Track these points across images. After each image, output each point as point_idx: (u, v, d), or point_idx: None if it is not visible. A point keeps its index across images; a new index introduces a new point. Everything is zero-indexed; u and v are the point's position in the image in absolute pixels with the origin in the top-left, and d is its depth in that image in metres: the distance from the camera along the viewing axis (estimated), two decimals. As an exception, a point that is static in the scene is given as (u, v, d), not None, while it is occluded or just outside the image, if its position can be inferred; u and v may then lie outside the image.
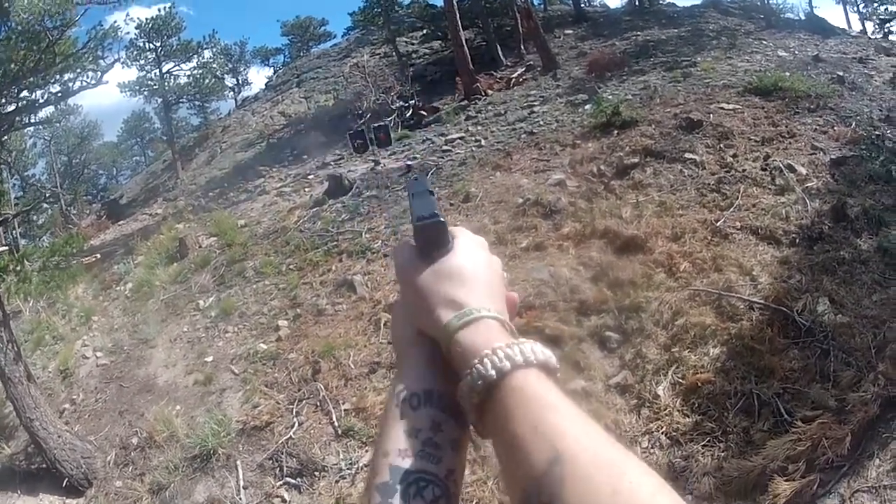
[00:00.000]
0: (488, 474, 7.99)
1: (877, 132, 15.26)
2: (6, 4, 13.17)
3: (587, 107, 20.90)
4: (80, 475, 11.03)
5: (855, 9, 46.15)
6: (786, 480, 6.79)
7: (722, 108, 17.20)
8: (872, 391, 7.52)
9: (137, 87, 42.87)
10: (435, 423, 0.99)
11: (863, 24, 43.60)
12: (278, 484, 9.67)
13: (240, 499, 9.70)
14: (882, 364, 8.06)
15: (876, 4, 41.81)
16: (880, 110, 16.93)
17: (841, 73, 20.23)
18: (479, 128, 23.48)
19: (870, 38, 34.39)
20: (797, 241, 11.45)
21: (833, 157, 14.05)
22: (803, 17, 36.34)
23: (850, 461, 6.83)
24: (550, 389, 0.89)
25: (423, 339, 1.09)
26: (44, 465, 11.29)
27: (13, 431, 12.87)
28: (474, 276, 1.10)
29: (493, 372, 0.90)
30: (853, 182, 13.08)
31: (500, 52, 35.39)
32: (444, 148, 21.95)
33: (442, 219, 1.14)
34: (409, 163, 20.99)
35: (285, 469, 9.83)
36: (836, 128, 15.55)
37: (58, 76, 14.23)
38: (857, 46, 27.40)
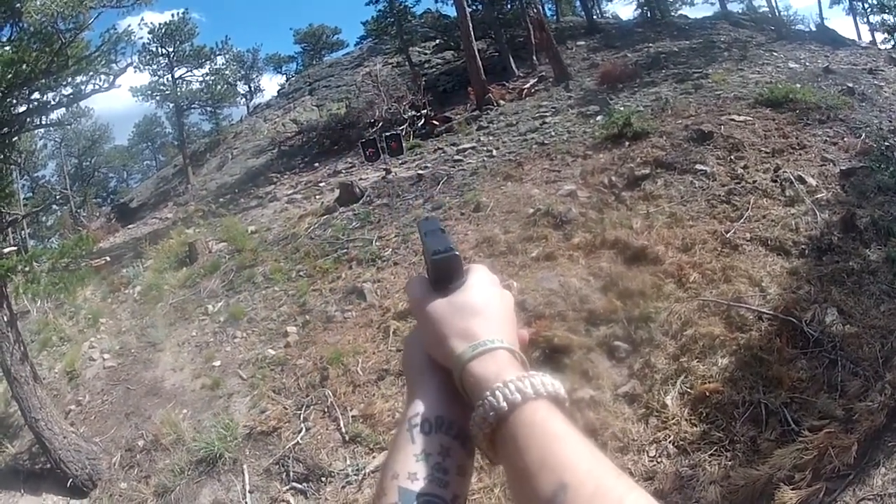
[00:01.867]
0: (495, 482, 7.98)
1: (886, 143, 15.25)
2: (18, 5, 13.22)
3: (599, 118, 20.90)
4: (84, 476, 11.06)
5: (865, 20, 46.07)
6: (792, 489, 6.78)
7: (733, 120, 17.19)
8: (879, 401, 7.51)
9: (149, 92, 42.99)
10: (444, 449, 1.01)
11: (872, 35, 43.45)
12: (284, 489, 9.68)
13: (245, 503, 9.71)
14: (889, 374, 8.05)
15: (886, 15, 41.70)
16: (890, 121, 16.93)
17: (851, 85, 20.23)
18: (491, 138, 23.45)
19: (880, 48, 34.28)
20: (806, 252, 11.44)
21: (843, 168, 14.03)
22: (814, 29, 36.38)
23: (856, 470, 6.81)
24: (558, 421, 0.91)
25: (436, 367, 1.12)
26: (48, 466, 11.34)
27: (18, 431, 12.93)
28: (487, 308, 1.13)
29: (504, 404, 0.92)
30: (862, 193, 13.06)
31: (512, 63, 35.38)
32: (456, 157, 21.92)
33: (457, 252, 1.17)
34: (419, 172, 20.98)
35: (292, 474, 9.84)
36: (845, 139, 15.54)
37: (70, 79, 14.23)
38: (868, 57, 27.37)
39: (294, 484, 9.69)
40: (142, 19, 40.28)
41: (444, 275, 1.16)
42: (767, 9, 39.42)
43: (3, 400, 13.78)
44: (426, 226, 1.28)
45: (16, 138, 14.66)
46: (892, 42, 38.82)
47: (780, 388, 8.45)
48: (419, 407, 1.07)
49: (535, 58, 35.42)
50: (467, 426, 1.00)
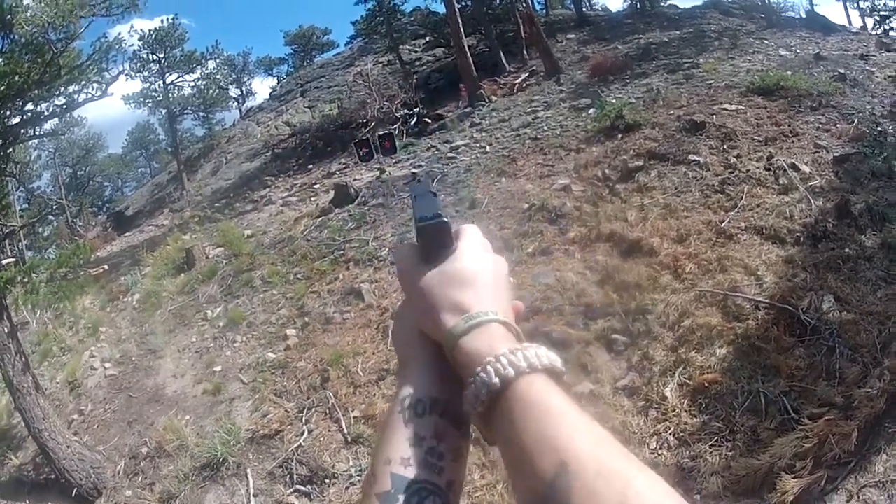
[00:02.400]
0: (497, 478, 8.00)
1: (879, 128, 15.24)
2: (9, 17, 13.23)
3: (591, 111, 20.87)
4: (89, 485, 11.07)
5: (855, 5, 46.07)
6: (793, 478, 6.79)
7: (725, 109, 17.19)
8: (878, 387, 7.52)
9: (142, 99, 42.86)
10: (439, 432, 0.99)
11: (863, 21, 43.57)
12: (288, 491, 9.69)
13: (250, 507, 9.75)
14: (888, 360, 8.06)
15: (875, 0, 41.71)
16: (882, 106, 16.89)
17: (842, 71, 20.19)
18: (484, 134, 23.44)
19: (870, 34, 34.28)
20: (801, 239, 11.43)
21: (836, 154, 14.03)
22: (804, 16, 36.24)
23: (858, 457, 6.82)
24: (555, 395, 0.88)
25: (428, 342, 1.08)
26: (52, 476, 11.35)
27: (22, 442, 12.95)
28: (479, 278, 1.08)
29: (497, 380, 0.89)
30: (856, 179, 13.06)
31: (503, 58, 35.31)
32: (450, 155, 21.92)
33: (445, 219, 1.13)
34: (414, 171, 20.96)
35: (295, 477, 9.85)
36: (838, 125, 15.53)
37: (62, 88, 14.23)
38: (858, 43, 27.30)
39: (298, 486, 9.71)
40: (131, 26, 40.07)
41: (432, 243, 1.12)
42: (757, -4, 39.42)
43: (6, 411, 13.79)
44: (417, 189, 1.26)
45: (10, 150, 14.66)
46: (882, 27, 38.86)
47: (779, 377, 8.47)
48: (412, 387, 1.04)
49: (525, 52, 35.37)
50: (462, 406, 0.96)
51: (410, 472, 0.94)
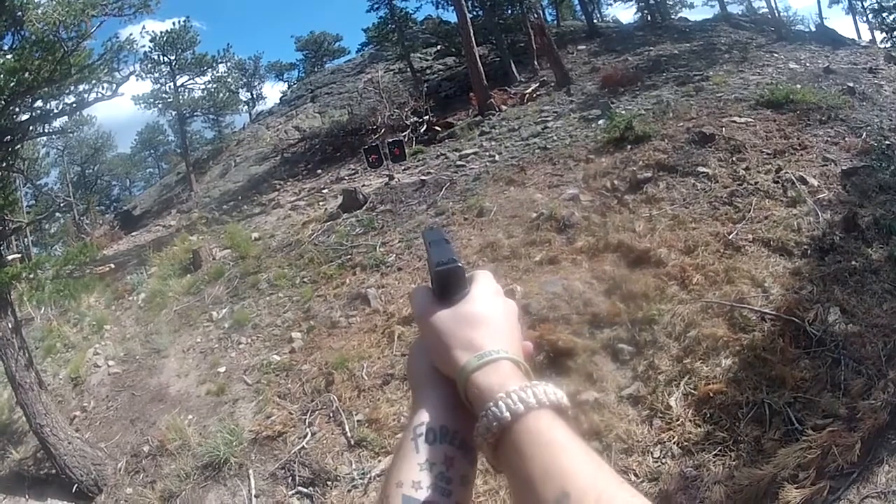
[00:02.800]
0: (500, 484, 7.99)
1: (887, 142, 15.20)
2: (20, 14, 13.26)
3: (600, 122, 20.87)
4: (90, 481, 11.09)
5: (864, 19, 46.09)
6: (796, 488, 6.79)
7: (734, 122, 17.20)
8: (882, 399, 7.53)
9: (152, 100, 42.85)
10: (448, 458, 1.03)
11: (872, 34, 43.50)
12: (290, 493, 9.70)
13: (251, 507, 9.75)
14: (892, 372, 8.07)
15: (885, 14, 41.72)
16: (891, 120, 16.86)
17: (851, 84, 20.20)
18: (493, 143, 23.43)
19: (879, 47, 34.29)
20: (809, 252, 11.43)
21: (844, 167, 14.01)
22: (814, 29, 36.40)
23: (860, 468, 6.83)
24: (560, 429, 0.92)
25: (440, 377, 1.13)
26: (53, 471, 11.37)
27: (22, 437, 12.99)
28: (490, 319, 1.14)
29: (507, 414, 0.93)
30: (864, 192, 13.05)
31: (513, 68, 35.35)
32: (459, 163, 21.93)
33: (460, 264, 1.19)
34: (422, 178, 20.98)
35: (297, 478, 9.85)
36: (847, 139, 15.52)
37: (73, 87, 14.23)
38: (868, 57, 27.33)
39: (300, 488, 9.71)
40: (143, 28, 40.30)
41: (447, 286, 1.18)
42: (767, 10, 39.44)
43: (8, 406, 13.82)
44: (430, 235, 1.30)
45: (19, 146, 14.67)
46: (891, 41, 38.86)
47: (784, 388, 8.46)
48: (424, 416, 1.08)
49: (536, 63, 35.39)
50: (471, 436, 1.01)
51: (421, 495, 0.98)
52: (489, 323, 1.13)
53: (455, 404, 1.08)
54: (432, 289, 1.21)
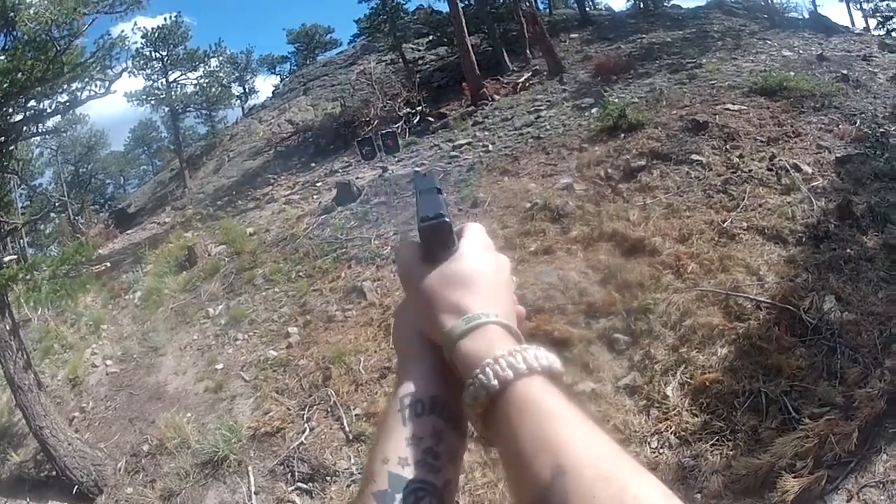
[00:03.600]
0: (499, 476, 8.00)
1: (881, 129, 15.22)
2: (12, 14, 13.24)
3: (594, 110, 20.83)
4: (90, 482, 11.11)
5: (858, 6, 45.95)
6: (794, 477, 6.82)
7: (727, 109, 17.18)
8: (879, 387, 7.55)
9: (144, 97, 42.73)
10: (437, 432, 0.98)
11: (866, 22, 43.42)
12: (290, 489, 9.72)
13: (251, 504, 9.76)
14: (888, 360, 8.09)
15: (878, 1, 41.65)
16: (884, 107, 16.89)
17: (845, 72, 20.20)
18: (487, 133, 23.39)
19: (873, 35, 34.21)
20: (803, 240, 11.44)
21: (838, 155, 14.03)
22: (807, 16, 36.26)
23: (858, 457, 6.86)
24: (554, 397, 0.87)
25: (427, 342, 1.08)
26: (53, 473, 11.38)
27: (22, 439, 12.99)
28: (479, 279, 1.07)
29: (495, 382, 0.89)
30: (858, 180, 13.07)
31: (506, 58, 35.17)
32: (452, 154, 21.91)
33: (447, 219, 1.11)
34: (416, 169, 20.93)
35: (297, 474, 9.88)
36: (840, 126, 15.53)
37: (65, 86, 14.23)
38: (861, 44, 27.30)
39: (299, 484, 9.74)
40: (135, 24, 39.96)
41: (433, 243, 1.11)
42: (760, -3, 39.39)
43: (7, 408, 13.83)
44: (421, 183, 1.24)
45: (13, 147, 14.66)
46: (885, 28, 38.81)
47: (780, 377, 8.49)
48: (410, 387, 1.03)
49: (528, 52, 35.21)
50: (460, 407, 0.96)
51: (408, 472, 0.93)
52: (478, 283, 1.07)
53: (444, 372, 1.03)
54: (418, 244, 1.14)
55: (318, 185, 25.58)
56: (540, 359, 0.91)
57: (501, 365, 0.90)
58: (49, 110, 14.72)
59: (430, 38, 43.96)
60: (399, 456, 0.95)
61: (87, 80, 14.82)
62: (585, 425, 0.84)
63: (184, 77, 44.71)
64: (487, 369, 0.90)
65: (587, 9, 47.53)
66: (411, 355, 1.11)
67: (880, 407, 7.26)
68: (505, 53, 35.48)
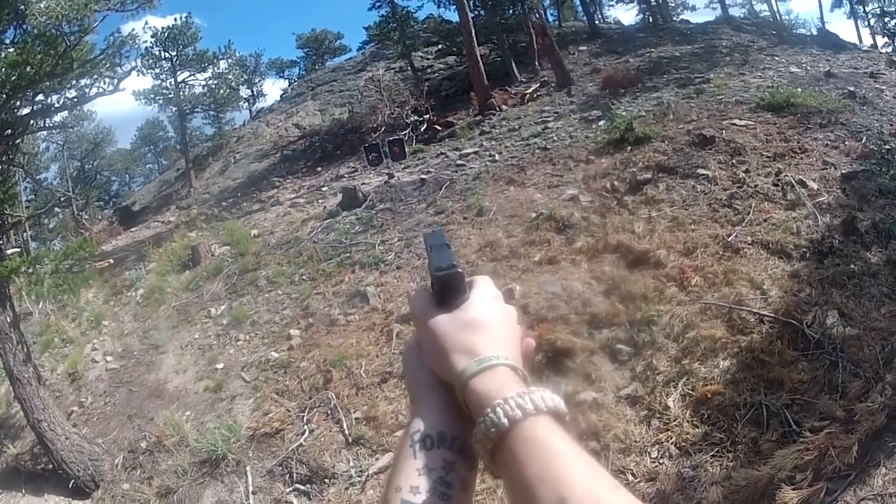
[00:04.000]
0: (498, 483, 7.97)
1: (887, 146, 15.21)
2: (23, 7, 13.28)
3: (601, 123, 20.86)
4: (87, 477, 11.10)
5: (866, 23, 46.11)
6: (793, 489, 6.81)
7: (734, 125, 17.19)
8: (880, 401, 7.54)
9: (152, 96, 42.93)
10: (447, 463, 1.04)
11: (874, 39, 43.52)
12: (288, 490, 9.71)
13: (248, 504, 9.75)
14: (890, 375, 8.08)
15: (887, 19, 41.71)
16: (891, 124, 16.89)
17: (852, 88, 20.23)
18: (494, 143, 23.40)
19: (880, 52, 34.32)
20: (807, 255, 11.43)
21: (844, 171, 14.01)
22: (815, 33, 36.40)
23: (857, 470, 6.85)
24: (557, 436, 0.93)
25: (438, 382, 1.14)
26: (50, 466, 11.38)
27: (20, 432, 12.99)
28: (490, 325, 1.15)
29: (505, 420, 0.94)
30: (863, 196, 13.05)
31: (514, 68, 35.27)
32: (459, 162, 21.90)
33: (460, 269, 1.19)
34: (422, 177, 20.97)
35: (295, 475, 9.86)
36: (846, 143, 15.53)
37: (74, 81, 14.26)
38: (869, 61, 27.45)
39: (297, 485, 9.72)
40: (145, 23, 40.24)
41: (447, 291, 1.19)
42: (769, 13, 39.51)
43: (6, 401, 13.83)
44: (432, 239, 1.31)
45: (19, 140, 14.69)
46: (893, 45, 38.88)
47: (782, 390, 8.47)
48: (421, 423, 1.09)
49: (537, 63, 35.31)
50: (469, 441, 1.02)
51: (419, 499, 0.99)
52: (488, 328, 1.14)
53: (453, 409, 1.09)
54: (432, 292, 1.22)
55: (323, 189, 25.64)
56: (546, 400, 0.97)
57: (511, 405, 0.96)
58: (57, 105, 14.77)
59: (440, 47, 44.09)
60: (410, 485, 1.00)
61: (95, 76, 14.86)
62: (585, 462, 0.90)
63: (192, 78, 44.86)
64: (498, 409, 0.96)
65: (596, 22, 47.80)
66: (422, 394, 1.17)
67: (881, 421, 7.26)
68: (514, 64, 35.62)
